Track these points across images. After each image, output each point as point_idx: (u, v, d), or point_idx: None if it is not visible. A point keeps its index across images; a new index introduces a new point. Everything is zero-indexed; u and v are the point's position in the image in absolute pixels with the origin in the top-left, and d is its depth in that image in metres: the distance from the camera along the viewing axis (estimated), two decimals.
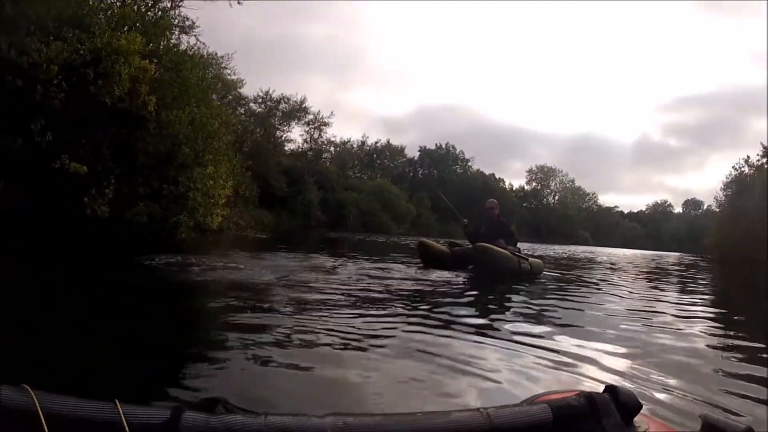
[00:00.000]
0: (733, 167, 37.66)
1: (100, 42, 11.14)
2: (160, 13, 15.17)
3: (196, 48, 17.45)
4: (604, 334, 3.88)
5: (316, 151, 51.98)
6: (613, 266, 15.24)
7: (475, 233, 9.10)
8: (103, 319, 3.47)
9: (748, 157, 35.75)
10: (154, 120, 12.75)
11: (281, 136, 46.71)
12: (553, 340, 3.48)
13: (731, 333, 4.64)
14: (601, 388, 0.95)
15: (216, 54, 23.46)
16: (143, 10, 14.51)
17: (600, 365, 2.90)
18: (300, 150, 49.59)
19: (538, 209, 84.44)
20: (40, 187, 10.61)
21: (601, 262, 17.55)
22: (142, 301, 4.34)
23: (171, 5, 16.82)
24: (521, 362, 2.81)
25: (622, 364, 2.96)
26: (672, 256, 36.13)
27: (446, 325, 3.79)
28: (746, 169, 35.60)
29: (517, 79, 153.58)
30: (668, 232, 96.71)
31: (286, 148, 47.43)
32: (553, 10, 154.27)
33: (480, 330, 3.66)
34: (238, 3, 17.90)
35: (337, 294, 4.97)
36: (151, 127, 12.70)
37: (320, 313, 3.88)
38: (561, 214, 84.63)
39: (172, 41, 15.66)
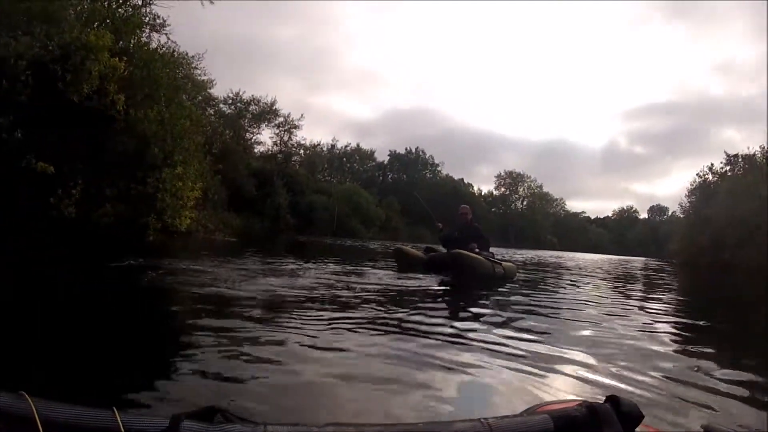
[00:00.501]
0: (697, 174, 38.73)
1: (69, 36, 10.87)
2: (130, 10, 14.91)
3: (167, 47, 17.18)
4: (597, 341, 3.89)
5: (286, 153, 51.52)
6: (584, 271, 15.46)
7: (449, 238, 9.18)
8: (94, 325, 3.40)
9: (712, 164, 36.88)
10: (123, 119, 12.51)
11: (251, 138, 46.31)
12: (549, 347, 3.48)
13: (723, 339, 4.71)
14: (602, 398, 0.95)
15: (187, 54, 23.05)
16: (114, 6, 14.25)
17: (599, 374, 2.89)
18: (270, 152, 49.13)
19: (506, 214, 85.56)
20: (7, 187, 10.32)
21: (571, 267, 17.79)
22: (128, 307, 4.26)
23: (142, 2, 16.61)
24: (519, 371, 2.80)
25: (620, 372, 2.96)
26: (638, 261, 36.91)
27: (438, 333, 3.78)
28: (710, 177, 36.63)
29: (486, 84, 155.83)
30: (634, 238, 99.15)
31: (256, 151, 47.01)
32: (524, 17, 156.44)
33: (472, 338, 3.65)
34: (210, 2, 17.80)
35: (321, 302, 4.94)
36: (119, 126, 12.46)
37: (310, 322, 3.84)
38: (529, 220, 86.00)
39: (143, 39, 15.39)
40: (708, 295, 11.11)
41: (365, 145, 75.25)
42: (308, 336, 3.33)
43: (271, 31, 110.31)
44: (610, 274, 14.97)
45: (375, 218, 54.76)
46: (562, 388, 2.57)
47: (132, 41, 14.46)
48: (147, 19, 16.36)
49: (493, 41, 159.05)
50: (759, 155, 29.84)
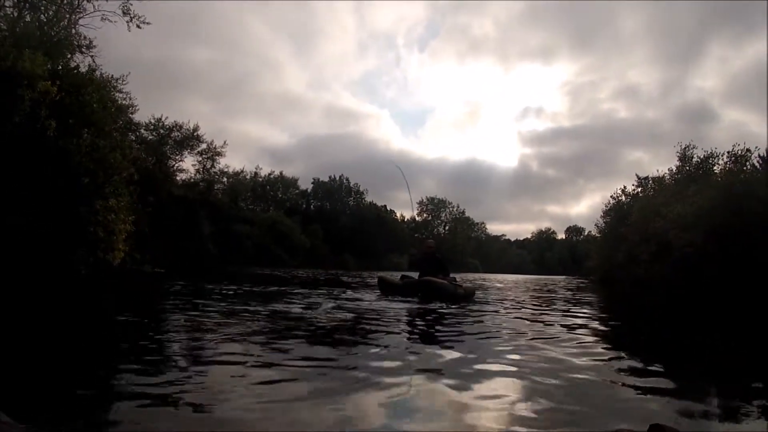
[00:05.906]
0: (611, 196, 41.49)
1: (4, 66, 10.07)
2: (61, 31, 14.11)
3: (95, 69, 16.28)
4: (621, 366, 3.88)
5: (209, 181, 50.07)
6: (513, 291, 16.14)
7: (420, 267, 11.21)
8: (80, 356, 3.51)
9: (624, 186, 39.59)
10: (54, 147, 11.69)
11: (173, 166, 44.71)
12: (585, 374, 3.46)
13: (729, 360, 4.78)
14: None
15: (112, 76, 22.08)
16: (45, 28, 13.42)
17: (640, 401, 2.88)
18: (192, 180, 47.60)
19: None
20: None
21: (498, 288, 18.50)
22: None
23: (68, 22, 15.77)
24: (549, 399, 2.77)
25: (660, 399, 2.94)
26: (559, 279, 38.78)
27: (438, 351, 3.79)
28: (623, 198, 39.02)
29: (403, 105, 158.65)
30: (553, 257, 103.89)
31: (178, 179, 45.35)
32: (439, 41, 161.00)
33: (472, 363, 3.64)
34: (138, 27, 17.11)
35: (313, 328, 4.89)
36: (50, 156, 11.62)
37: (309, 348, 3.77)
38: (451, 244, 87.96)
39: (71, 62, 14.56)
40: (674, 317, 11.53)
41: (285, 172, 73.82)
42: (311, 365, 3.38)
43: (184, 54, 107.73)
44: (537, 293, 15.78)
45: (299, 247, 54.19)
46: (607, 419, 2.52)
47: (61, 64, 13.64)
48: (75, 40, 15.57)
49: (404, 62, 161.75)
50: (668, 177, 31.98)
